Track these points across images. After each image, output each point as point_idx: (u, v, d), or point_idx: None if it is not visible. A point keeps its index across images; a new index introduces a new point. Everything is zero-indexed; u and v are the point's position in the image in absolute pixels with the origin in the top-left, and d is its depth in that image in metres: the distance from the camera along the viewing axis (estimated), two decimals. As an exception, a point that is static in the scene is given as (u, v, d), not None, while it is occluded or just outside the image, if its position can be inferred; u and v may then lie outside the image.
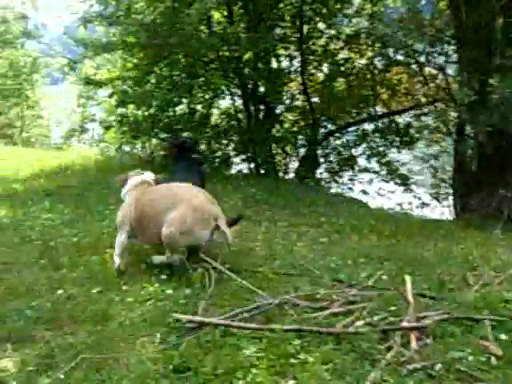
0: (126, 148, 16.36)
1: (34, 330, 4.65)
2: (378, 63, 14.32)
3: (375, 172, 14.11)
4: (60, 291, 5.40)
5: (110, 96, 14.25)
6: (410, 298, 4.54)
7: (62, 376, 3.87)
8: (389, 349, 4.00)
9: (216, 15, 13.86)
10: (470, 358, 3.89)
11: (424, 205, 13.15)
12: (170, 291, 5.25)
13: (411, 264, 6.05)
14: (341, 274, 5.65)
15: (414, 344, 4.00)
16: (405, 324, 4.19)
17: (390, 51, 13.05)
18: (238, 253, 6.39)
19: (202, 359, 3.92)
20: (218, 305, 4.90)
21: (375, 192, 14.00)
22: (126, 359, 4.05)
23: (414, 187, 13.65)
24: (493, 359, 3.88)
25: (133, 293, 5.27)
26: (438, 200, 13.20)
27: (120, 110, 14.12)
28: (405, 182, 13.53)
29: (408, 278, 4.76)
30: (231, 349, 4.00)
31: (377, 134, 14.26)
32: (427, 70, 13.03)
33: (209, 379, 3.70)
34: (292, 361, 3.89)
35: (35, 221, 8.01)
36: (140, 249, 6.46)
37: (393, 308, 4.62)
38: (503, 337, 4.19)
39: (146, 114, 13.52)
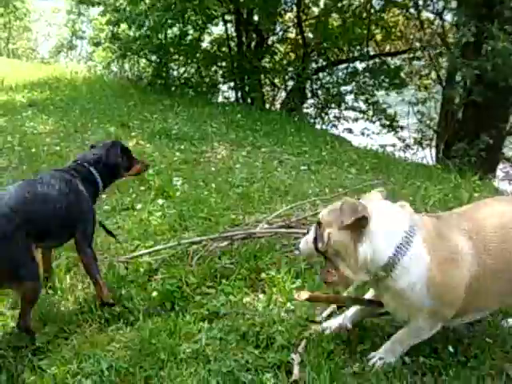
0: (114, 68, 16.21)
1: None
2: (376, 3, 14.12)
3: (362, 111, 14.11)
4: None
5: (103, 14, 13.95)
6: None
7: None
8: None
9: None
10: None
11: (408, 147, 13.23)
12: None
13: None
14: (317, 201, 5.66)
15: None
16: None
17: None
18: (217, 172, 6.46)
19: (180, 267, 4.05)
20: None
21: (359, 132, 14.04)
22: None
23: (398, 130, 13.70)
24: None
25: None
26: (421, 145, 13.25)
27: (111, 28, 13.87)
28: (391, 123, 13.57)
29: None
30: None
31: (367, 74, 14.17)
32: (425, 14, 12.94)
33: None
34: (262, 275, 3.98)
35: (17, 128, 7.96)
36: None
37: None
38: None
39: (138, 33, 13.25)
